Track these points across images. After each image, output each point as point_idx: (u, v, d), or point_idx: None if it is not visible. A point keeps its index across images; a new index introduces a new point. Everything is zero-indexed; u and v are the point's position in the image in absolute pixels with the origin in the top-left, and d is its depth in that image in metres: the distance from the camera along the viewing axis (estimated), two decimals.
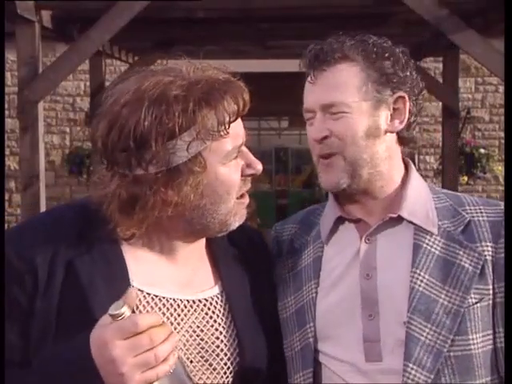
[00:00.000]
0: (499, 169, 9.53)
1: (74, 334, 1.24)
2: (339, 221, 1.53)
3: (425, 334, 1.40)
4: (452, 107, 6.31)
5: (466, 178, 8.21)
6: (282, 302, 1.55)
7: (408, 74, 1.51)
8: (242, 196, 1.39)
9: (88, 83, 8.25)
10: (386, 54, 1.49)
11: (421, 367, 1.38)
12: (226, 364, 1.38)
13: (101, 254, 1.33)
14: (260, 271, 1.52)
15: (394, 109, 1.49)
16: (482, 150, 8.44)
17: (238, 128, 1.35)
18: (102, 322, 1.18)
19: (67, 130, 10.18)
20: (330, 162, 1.49)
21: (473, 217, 1.47)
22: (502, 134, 10.19)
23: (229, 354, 1.39)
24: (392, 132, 1.50)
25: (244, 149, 1.38)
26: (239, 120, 1.35)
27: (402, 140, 1.53)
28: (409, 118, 1.51)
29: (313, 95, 1.50)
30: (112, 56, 7.11)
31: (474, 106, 10.02)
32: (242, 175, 1.37)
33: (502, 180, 9.97)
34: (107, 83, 7.17)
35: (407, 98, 1.50)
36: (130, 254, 1.36)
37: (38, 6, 4.52)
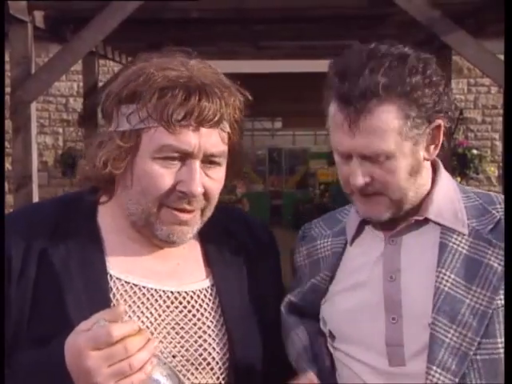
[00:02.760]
0: (492, 169, 9.58)
1: (48, 323, 1.26)
2: (365, 222, 1.48)
3: (450, 336, 1.33)
4: None
5: (458, 179, 8.24)
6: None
7: (444, 96, 1.40)
8: (179, 210, 1.33)
9: (81, 84, 8.23)
10: (425, 81, 1.37)
11: (445, 370, 1.32)
12: (213, 359, 1.35)
13: (77, 243, 1.33)
14: (263, 266, 1.48)
15: (429, 135, 1.41)
16: (475, 151, 8.48)
17: (192, 137, 1.29)
18: (79, 329, 1.17)
19: (60, 130, 10.17)
20: (373, 199, 1.41)
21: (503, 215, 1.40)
22: (495, 135, 10.23)
23: (218, 350, 1.36)
24: (429, 160, 1.43)
25: (192, 164, 1.30)
26: (203, 133, 1.30)
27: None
28: (443, 141, 1.43)
29: (350, 141, 1.37)
30: (105, 56, 7.10)
31: (466, 107, 10.05)
32: (174, 187, 1.31)
33: (494, 181, 10.00)
34: (100, 84, 7.15)
35: (443, 125, 1.41)
36: (109, 246, 1.36)
37: (30, 6, 4.51)
